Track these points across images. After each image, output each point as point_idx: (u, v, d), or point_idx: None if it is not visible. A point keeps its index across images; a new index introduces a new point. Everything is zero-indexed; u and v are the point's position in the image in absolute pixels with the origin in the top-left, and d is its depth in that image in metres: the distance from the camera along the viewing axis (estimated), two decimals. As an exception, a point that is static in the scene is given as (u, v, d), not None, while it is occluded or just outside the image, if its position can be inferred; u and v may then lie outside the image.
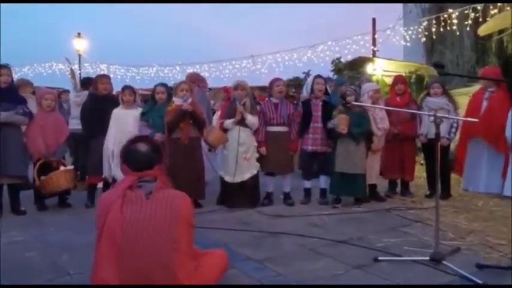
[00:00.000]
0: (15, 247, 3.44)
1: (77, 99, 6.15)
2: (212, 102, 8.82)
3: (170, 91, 5.15)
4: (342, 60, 10.54)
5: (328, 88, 5.38)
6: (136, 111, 5.10)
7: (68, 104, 6.47)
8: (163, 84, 5.27)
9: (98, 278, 2.11)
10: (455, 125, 4.99)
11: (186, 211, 2.15)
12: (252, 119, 4.85)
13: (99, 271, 2.11)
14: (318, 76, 5.28)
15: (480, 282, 2.51)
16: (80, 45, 17.02)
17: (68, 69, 15.00)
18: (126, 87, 5.24)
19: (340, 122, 4.64)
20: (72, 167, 4.97)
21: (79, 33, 17.10)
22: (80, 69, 16.35)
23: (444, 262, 2.80)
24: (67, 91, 8.66)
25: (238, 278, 2.69)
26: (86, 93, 5.95)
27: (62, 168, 4.73)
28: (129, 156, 2.28)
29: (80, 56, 16.89)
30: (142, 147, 2.28)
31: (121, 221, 2.06)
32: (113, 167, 4.93)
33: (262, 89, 10.90)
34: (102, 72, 16.23)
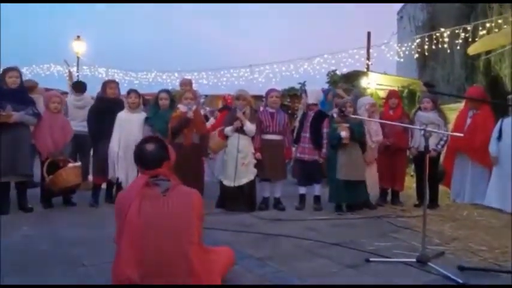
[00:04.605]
0: (28, 241, 3.64)
1: (77, 103, 6.00)
2: (208, 108, 9.11)
3: (173, 97, 5.38)
4: (338, 72, 10.86)
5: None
6: (141, 115, 5.33)
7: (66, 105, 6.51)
8: (167, 91, 5.51)
9: (119, 272, 2.28)
10: (444, 138, 5.31)
11: (198, 206, 2.39)
12: (249, 126, 5.10)
13: (121, 266, 2.28)
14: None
15: (461, 281, 2.78)
16: (79, 47, 17.18)
17: (66, 71, 15.17)
18: (131, 91, 5.47)
19: (343, 132, 4.91)
20: (79, 163, 5.17)
21: (78, 36, 17.27)
22: (78, 72, 16.50)
23: (429, 264, 3.07)
24: (65, 93, 8.80)
25: (242, 273, 2.91)
26: (87, 96, 6.13)
27: (70, 164, 4.92)
28: (139, 157, 2.47)
29: (78, 58, 17.04)
30: (149, 146, 2.45)
31: (140, 217, 2.27)
32: (117, 169, 5.16)
33: (258, 97, 11.16)
34: (100, 76, 16.49)
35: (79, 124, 5.65)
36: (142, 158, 2.45)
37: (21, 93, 4.85)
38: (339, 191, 5.02)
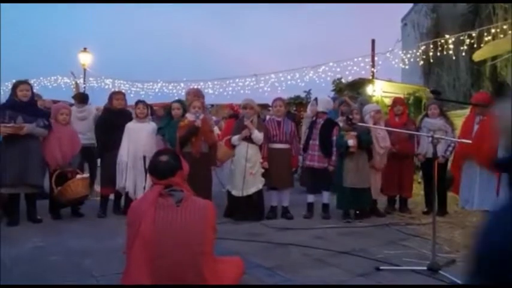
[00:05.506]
0: (38, 252, 3.66)
1: (79, 114, 5.93)
2: (214, 118, 9.14)
3: (185, 107, 5.42)
4: (343, 80, 10.88)
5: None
6: (149, 125, 5.38)
7: None
8: (179, 101, 5.57)
9: (131, 279, 2.31)
10: (452, 144, 5.29)
11: (212, 217, 2.41)
12: (258, 134, 5.12)
13: (132, 274, 2.30)
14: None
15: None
16: (86, 59, 17.33)
17: (73, 83, 15.32)
18: (139, 102, 5.54)
19: (351, 140, 4.92)
20: (87, 175, 5.20)
21: (85, 48, 17.45)
22: (84, 83, 16.64)
23: (440, 272, 3.04)
24: (72, 105, 8.86)
25: (252, 282, 2.91)
26: (90, 107, 6.18)
27: (78, 176, 4.96)
28: (153, 167, 2.55)
29: (85, 70, 17.19)
30: (163, 157, 2.55)
31: (154, 226, 2.30)
32: (125, 179, 5.18)
33: (263, 106, 11.20)
34: (106, 87, 16.61)
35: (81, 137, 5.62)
36: (156, 168, 2.52)
37: (32, 106, 4.93)
38: (346, 198, 5.02)
